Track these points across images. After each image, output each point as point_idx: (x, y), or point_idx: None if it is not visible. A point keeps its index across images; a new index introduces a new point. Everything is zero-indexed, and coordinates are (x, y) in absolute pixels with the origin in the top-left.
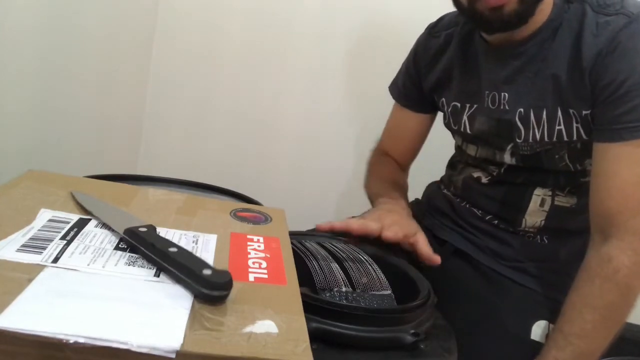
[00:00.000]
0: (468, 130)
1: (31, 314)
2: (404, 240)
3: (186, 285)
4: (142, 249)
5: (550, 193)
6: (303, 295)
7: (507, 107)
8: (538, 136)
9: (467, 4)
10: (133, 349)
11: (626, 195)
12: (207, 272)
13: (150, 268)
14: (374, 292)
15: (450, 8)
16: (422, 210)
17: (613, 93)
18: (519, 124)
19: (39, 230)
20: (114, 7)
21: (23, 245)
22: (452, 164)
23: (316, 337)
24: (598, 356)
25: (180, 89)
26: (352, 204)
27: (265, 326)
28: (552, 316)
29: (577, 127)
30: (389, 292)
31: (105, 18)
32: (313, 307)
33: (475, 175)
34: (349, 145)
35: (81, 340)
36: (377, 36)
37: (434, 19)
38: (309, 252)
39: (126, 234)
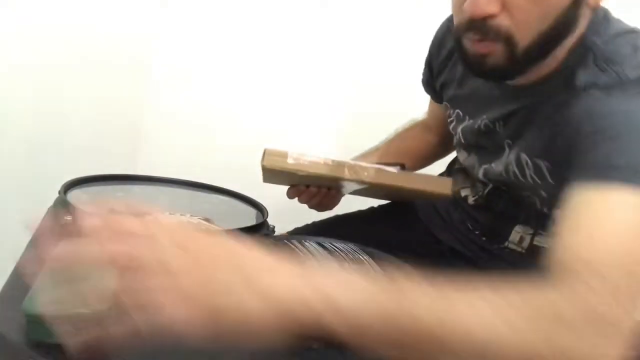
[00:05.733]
0: (462, 140)
1: None
2: None
3: None
4: None
5: (531, 231)
6: None
7: (498, 138)
8: (501, 168)
9: (455, 33)
10: None
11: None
12: None
13: None
14: None
15: None
16: (421, 205)
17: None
18: (504, 156)
19: None
20: (115, 6)
21: None
22: (449, 169)
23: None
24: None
25: (181, 89)
26: (350, 203)
27: None
28: None
29: (530, 175)
30: None
31: (105, 17)
32: None
33: (463, 194)
34: (349, 146)
35: None
36: (379, 37)
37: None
38: (309, 252)
39: None
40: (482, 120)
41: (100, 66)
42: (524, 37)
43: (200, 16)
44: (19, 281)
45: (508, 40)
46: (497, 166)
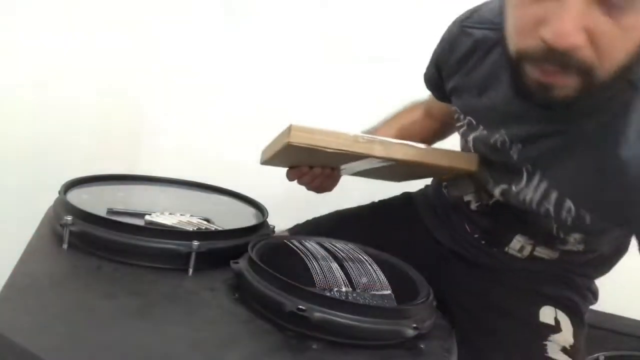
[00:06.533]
0: (472, 149)
1: None
2: None
3: None
4: None
5: (532, 242)
6: (308, 290)
7: (516, 159)
8: (528, 198)
9: (515, 56)
10: None
11: None
12: None
13: None
14: (374, 292)
15: None
16: (424, 205)
17: None
18: (524, 181)
19: None
20: (115, 8)
21: None
22: None
23: (320, 328)
24: None
25: (180, 89)
26: (350, 203)
27: None
28: (557, 304)
29: (570, 219)
30: (389, 292)
31: (106, 18)
32: (319, 298)
33: (466, 199)
34: None
35: None
36: (379, 40)
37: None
38: (309, 252)
39: None
40: (499, 135)
41: (101, 66)
42: (605, 70)
43: (199, 15)
44: (19, 281)
45: (588, 72)
46: (522, 194)
